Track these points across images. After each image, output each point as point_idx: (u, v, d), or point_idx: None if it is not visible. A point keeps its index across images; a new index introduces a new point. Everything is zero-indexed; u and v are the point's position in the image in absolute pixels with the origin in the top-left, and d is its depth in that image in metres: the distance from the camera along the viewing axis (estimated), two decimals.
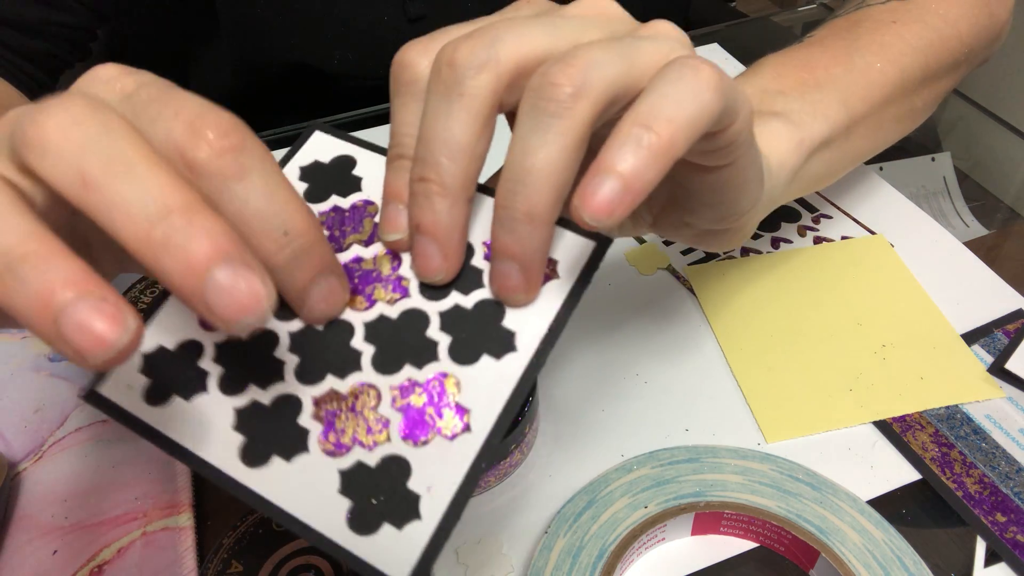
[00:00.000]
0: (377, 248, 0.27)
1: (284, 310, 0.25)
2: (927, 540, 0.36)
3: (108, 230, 0.20)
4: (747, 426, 0.40)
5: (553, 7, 0.27)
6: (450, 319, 0.25)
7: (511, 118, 0.27)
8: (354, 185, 0.28)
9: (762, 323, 0.45)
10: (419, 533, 0.22)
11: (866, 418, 0.40)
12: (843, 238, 0.50)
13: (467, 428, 0.23)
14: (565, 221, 0.26)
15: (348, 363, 0.25)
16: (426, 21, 0.60)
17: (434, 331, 0.25)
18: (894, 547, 0.34)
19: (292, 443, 0.24)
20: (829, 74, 0.40)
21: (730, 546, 0.36)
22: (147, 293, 0.48)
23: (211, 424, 0.24)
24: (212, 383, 0.24)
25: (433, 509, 0.22)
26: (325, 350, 0.25)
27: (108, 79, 0.23)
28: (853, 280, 0.47)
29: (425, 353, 0.24)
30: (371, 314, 0.25)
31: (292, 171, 0.29)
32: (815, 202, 0.53)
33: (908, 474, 0.38)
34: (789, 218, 0.52)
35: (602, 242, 0.25)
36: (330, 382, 0.24)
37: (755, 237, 0.51)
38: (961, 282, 0.47)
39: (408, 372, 0.24)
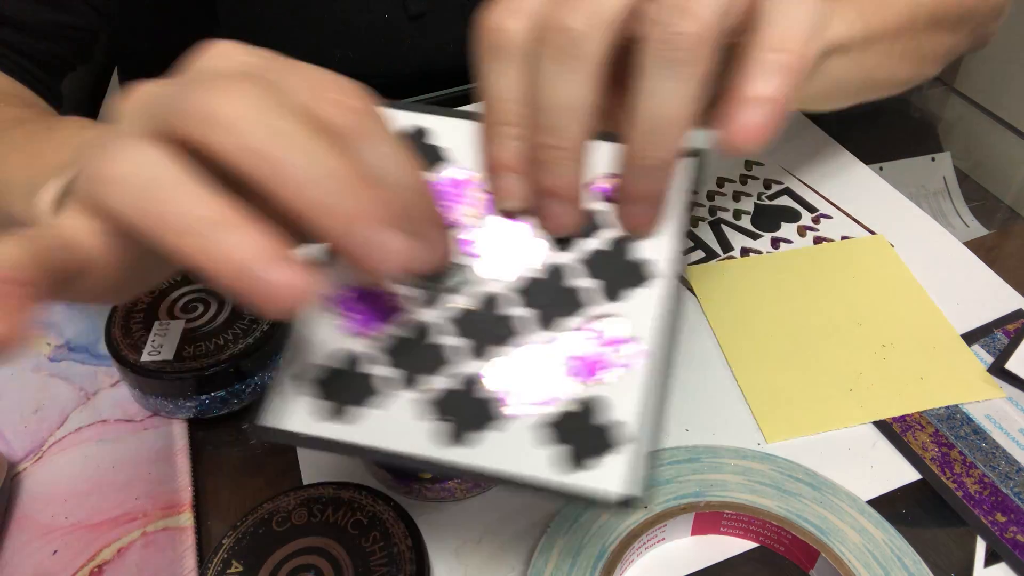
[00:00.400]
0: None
1: (435, 295, 0.27)
2: (927, 540, 0.36)
3: (275, 196, 0.21)
4: (747, 426, 0.40)
5: None
6: (590, 263, 0.27)
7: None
8: (438, 156, 0.29)
9: (762, 323, 0.45)
10: (624, 456, 0.24)
11: (866, 418, 0.40)
12: (843, 238, 0.50)
13: (639, 353, 0.25)
14: None
15: (509, 329, 0.26)
16: (427, 18, 0.60)
17: (577, 278, 0.27)
18: (894, 547, 0.34)
19: (482, 415, 0.25)
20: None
21: (730, 546, 0.36)
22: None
23: (399, 419, 0.26)
24: (386, 383, 0.26)
25: (630, 432, 0.25)
26: (483, 323, 0.26)
27: (228, 54, 0.25)
28: (853, 280, 0.47)
29: (578, 300, 0.26)
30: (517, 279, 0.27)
31: None
32: (815, 202, 0.53)
33: (908, 474, 0.38)
34: (789, 218, 0.52)
35: (700, 153, 0.27)
36: (499, 350, 0.26)
37: (755, 237, 0.51)
38: (961, 282, 0.47)
39: (569, 321, 0.26)
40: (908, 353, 0.43)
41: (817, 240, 0.50)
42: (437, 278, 0.27)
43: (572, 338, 0.26)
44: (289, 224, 0.22)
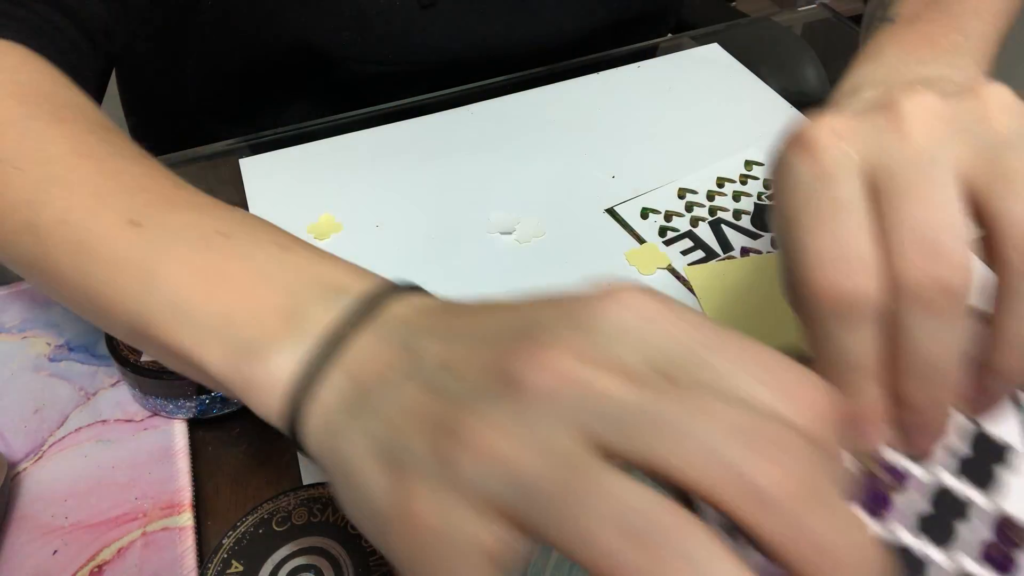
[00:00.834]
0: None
1: None
2: None
3: (771, 549, 0.18)
4: None
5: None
6: (962, 466, 0.27)
7: None
8: None
9: (762, 323, 0.45)
10: None
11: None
12: None
13: None
14: None
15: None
16: (438, 7, 0.60)
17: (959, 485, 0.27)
18: None
19: None
20: (952, 41, 0.39)
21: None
22: None
23: None
24: None
25: None
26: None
27: (644, 313, 0.21)
28: None
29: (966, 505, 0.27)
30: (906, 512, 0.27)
31: None
32: None
33: None
34: None
35: None
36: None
37: (755, 237, 0.51)
38: None
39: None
40: None
41: None
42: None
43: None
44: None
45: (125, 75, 0.75)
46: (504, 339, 0.22)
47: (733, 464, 0.18)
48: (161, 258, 0.29)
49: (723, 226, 0.52)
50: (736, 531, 0.19)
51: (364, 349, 0.25)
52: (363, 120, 0.62)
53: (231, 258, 0.29)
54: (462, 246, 0.51)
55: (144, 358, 0.41)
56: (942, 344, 0.24)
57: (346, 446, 0.23)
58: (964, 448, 0.28)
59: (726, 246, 0.50)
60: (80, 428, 0.42)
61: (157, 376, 0.40)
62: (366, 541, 0.34)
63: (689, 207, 0.53)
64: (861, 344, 0.25)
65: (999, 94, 0.26)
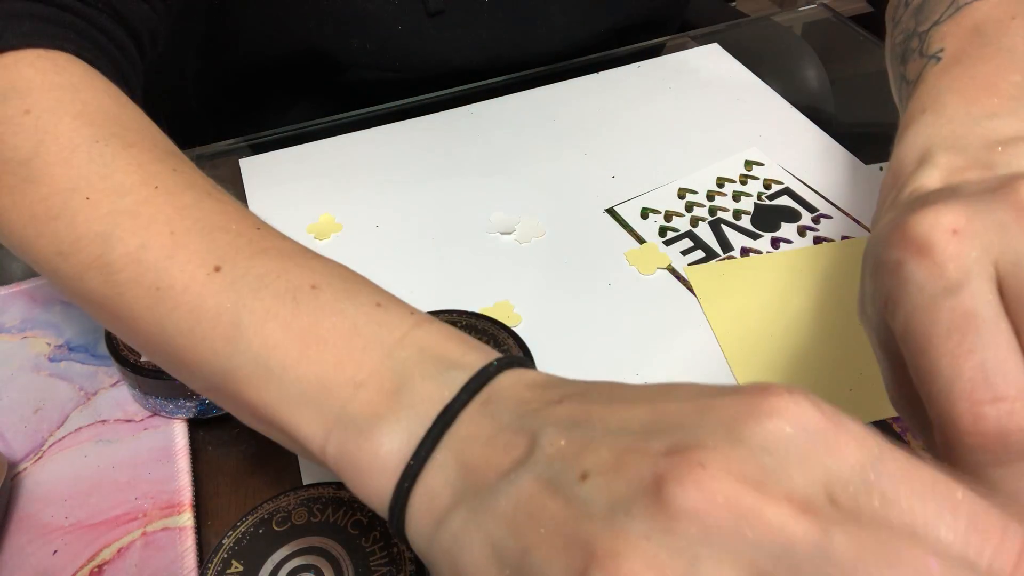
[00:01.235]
0: None
1: None
2: None
3: None
4: None
5: None
6: None
7: None
8: None
9: (762, 323, 0.45)
10: None
11: (866, 418, 0.40)
12: (843, 238, 0.50)
13: None
14: None
15: None
16: (445, 16, 0.60)
17: None
18: None
19: None
20: (1012, 83, 0.35)
21: None
22: None
23: None
24: None
25: None
26: None
27: (813, 431, 0.18)
28: (853, 280, 0.47)
29: None
30: None
31: None
32: (815, 202, 0.53)
33: None
34: (789, 218, 0.52)
35: None
36: None
37: (755, 237, 0.51)
38: None
39: None
40: None
41: (817, 240, 0.50)
42: None
43: None
44: None
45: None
46: (646, 446, 0.19)
47: None
48: (247, 310, 0.27)
49: (723, 226, 0.52)
50: None
51: (473, 428, 0.23)
52: (363, 120, 0.62)
53: (324, 314, 0.27)
54: (462, 246, 0.51)
55: (144, 358, 0.41)
56: None
57: (464, 553, 0.21)
58: None
59: (726, 246, 0.50)
60: (80, 428, 0.42)
61: (157, 376, 0.40)
62: (366, 541, 0.34)
63: (689, 207, 0.53)
64: None
65: None
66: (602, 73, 0.66)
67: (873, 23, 0.64)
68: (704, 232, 0.51)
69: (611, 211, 0.53)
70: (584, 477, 0.20)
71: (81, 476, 0.39)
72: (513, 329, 0.42)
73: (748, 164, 0.56)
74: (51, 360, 0.45)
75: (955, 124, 0.32)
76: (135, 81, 0.42)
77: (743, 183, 0.55)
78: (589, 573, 0.18)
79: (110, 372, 0.44)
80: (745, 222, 0.52)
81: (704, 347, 0.44)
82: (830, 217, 0.52)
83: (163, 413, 0.42)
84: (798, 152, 0.57)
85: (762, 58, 0.68)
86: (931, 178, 0.29)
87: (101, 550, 0.37)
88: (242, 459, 0.41)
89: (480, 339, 0.41)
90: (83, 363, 0.45)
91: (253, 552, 0.34)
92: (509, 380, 0.25)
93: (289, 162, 0.58)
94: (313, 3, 0.59)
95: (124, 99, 0.36)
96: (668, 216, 0.53)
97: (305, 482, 0.39)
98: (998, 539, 0.17)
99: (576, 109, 0.62)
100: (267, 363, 0.26)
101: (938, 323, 0.22)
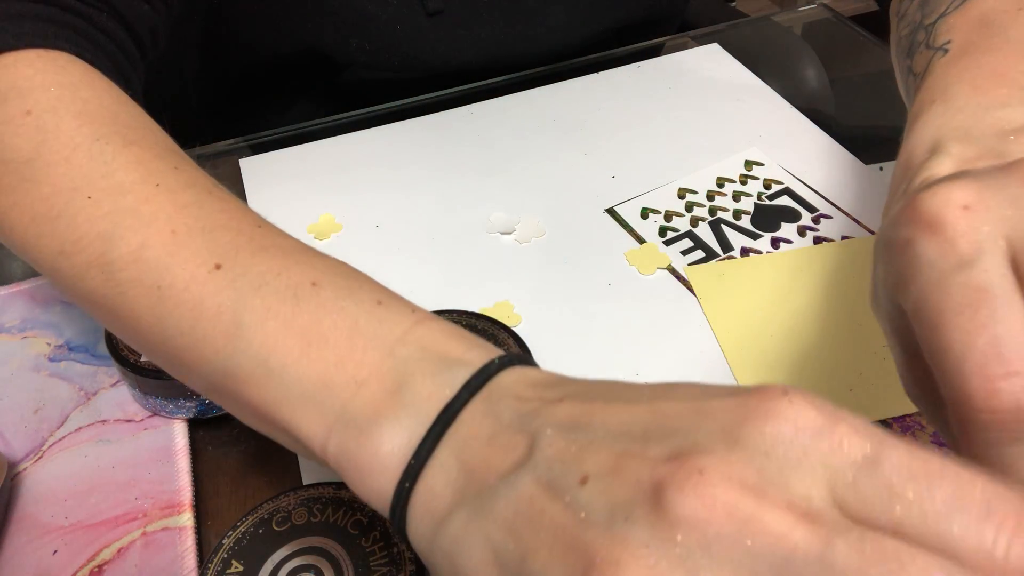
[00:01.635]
0: None
1: None
2: None
3: None
4: None
5: None
6: None
7: None
8: None
9: (762, 323, 0.45)
10: None
11: (866, 418, 0.40)
12: (843, 238, 0.50)
13: None
14: None
15: None
16: (444, 15, 0.60)
17: None
18: None
19: None
20: (1021, 72, 0.35)
21: None
22: None
23: None
24: None
25: None
26: None
27: (815, 431, 0.18)
28: (853, 280, 0.47)
29: None
30: None
31: None
32: (815, 202, 0.53)
33: None
34: (789, 218, 0.52)
35: None
36: None
37: (755, 237, 0.51)
38: None
39: None
40: None
41: (817, 240, 0.50)
42: None
43: None
44: None
45: None
46: (646, 450, 0.19)
47: None
48: (248, 308, 0.27)
49: (723, 226, 0.52)
50: None
51: (474, 427, 0.23)
52: (363, 120, 0.62)
53: (325, 312, 0.27)
54: (462, 246, 0.51)
55: (144, 358, 0.41)
56: None
57: (465, 555, 0.21)
58: None
59: (726, 246, 0.50)
60: (80, 428, 0.42)
61: (157, 376, 0.40)
62: (366, 541, 0.34)
63: (689, 207, 0.53)
64: None
65: None
66: (602, 73, 0.66)
67: (873, 23, 0.64)
68: (704, 232, 0.51)
69: (611, 211, 0.53)
70: (584, 481, 0.20)
71: (81, 476, 0.39)
72: (513, 329, 0.42)
73: (748, 164, 0.56)
74: (51, 360, 0.45)
75: (965, 114, 0.31)
76: (136, 80, 0.42)
77: (743, 183, 0.55)
78: None
79: (110, 372, 0.44)
80: (745, 222, 0.52)
81: (704, 347, 0.44)
82: (830, 217, 0.52)
83: (163, 413, 0.42)
84: (798, 152, 0.57)
85: (762, 58, 0.68)
86: (943, 167, 0.28)
87: (101, 550, 0.37)
88: (242, 459, 0.41)
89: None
90: (83, 363, 0.45)
91: (253, 552, 0.34)
92: (511, 378, 0.25)
93: (289, 162, 0.58)
94: (313, 3, 0.59)
95: (124, 97, 0.36)
96: (668, 216, 0.53)
97: (305, 482, 0.39)
98: (1015, 524, 0.16)
99: (576, 109, 0.62)
100: (268, 362, 0.26)
101: (950, 298, 0.22)
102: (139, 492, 0.39)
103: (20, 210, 0.32)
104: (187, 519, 0.38)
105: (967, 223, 0.22)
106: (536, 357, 0.41)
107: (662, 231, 0.52)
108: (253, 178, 0.57)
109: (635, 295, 0.48)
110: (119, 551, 0.37)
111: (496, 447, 0.22)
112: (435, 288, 0.49)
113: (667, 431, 0.20)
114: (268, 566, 0.33)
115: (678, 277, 0.49)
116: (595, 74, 0.66)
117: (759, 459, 0.18)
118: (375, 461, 0.24)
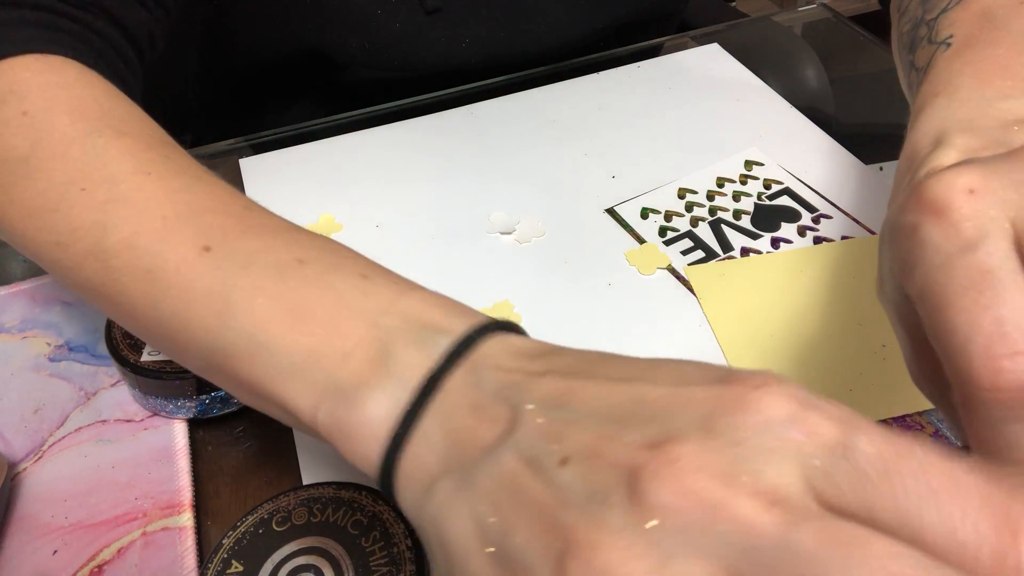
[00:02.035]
0: None
1: None
2: None
3: None
4: None
5: None
6: None
7: None
8: None
9: (762, 323, 0.45)
10: None
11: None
12: (843, 238, 0.50)
13: None
14: None
15: None
16: (443, 13, 0.60)
17: None
18: None
19: None
20: None
21: None
22: None
23: None
24: None
25: None
26: None
27: (788, 419, 0.19)
28: (853, 280, 0.47)
29: None
30: None
31: None
32: (815, 202, 0.53)
33: None
34: (789, 218, 0.52)
35: None
36: None
37: (755, 237, 0.51)
38: None
39: None
40: None
41: (817, 240, 0.50)
42: None
43: None
44: None
45: None
46: (625, 435, 0.20)
47: None
48: (237, 287, 0.28)
49: (723, 226, 0.52)
50: None
51: (458, 396, 0.24)
52: (363, 120, 0.62)
53: (311, 287, 0.27)
54: (462, 246, 0.51)
55: (144, 358, 0.41)
56: None
57: (450, 525, 0.22)
58: None
59: (726, 246, 0.50)
60: (80, 428, 0.42)
61: (157, 376, 0.40)
62: (366, 541, 0.34)
63: (689, 207, 0.53)
64: None
65: None
66: (602, 73, 0.66)
67: (873, 23, 0.64)
68: (704, 232, 0.51)
69: (611, 211, 0.53)
70: (564, 463, 0.20)
71: (81, 476, 0.39)
72: None
73: (748, 164, 0.56)
74: (51, 360, 0.45)
75: (969, 106, 0.31)
76: (133, 81, 0.43)
77: (743, 183, 0.55)
78: (566, 559, 0.19)
79: (110, 372, 0.44)
80: (745, 222, 0.52)
81: (704, 347, 0.44)
82: (830, 217, 0.52)
83: (163, 413, 0.42)
84: (798, 152, 0.57)
85: (762, 58, 0.68)
86: (947, 157, 0.29)
87: (101, 550, 0.37)
88: (242, 459, 0.41)
89: None
90: (83, 363, 0.45)
91: (253, 552, 0.34)
92: (495, 347, 0.25)
93: (289, 162, 0.58)
94: (311, 3, 0.59)
95: (117, 92, 0.37)
96: (668, 216, 0.53)
97: (305, 482, 0.39)
98: (978, 507, 0.16)
99: (576, 109, 0.62)
100: (257, 337, 0.27)
101: (955, 280, 0.22)
102: (139, 492, 0.39)
103: (18, 206, 0.33)
104: (187, 519, 0.38)
105: (972, 207, 0.22)
106: None
107: (662, 231, 0.52)
108: (253, 178, 0.57)
109: (635, 295, 0.48)
110: (119, 551, 0.37)
111: (480, 418, 0.23)
112: (435, 288, 0.48)
113: (646, 417, 0.20)
114: (268, 566, 0.33)
115: (678, 277, 0.49)
116: (595, 74, 0.66)
117: (733, 448, 0.18)
118: (363, 429, 0.25)
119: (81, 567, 0.36)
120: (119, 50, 0.42)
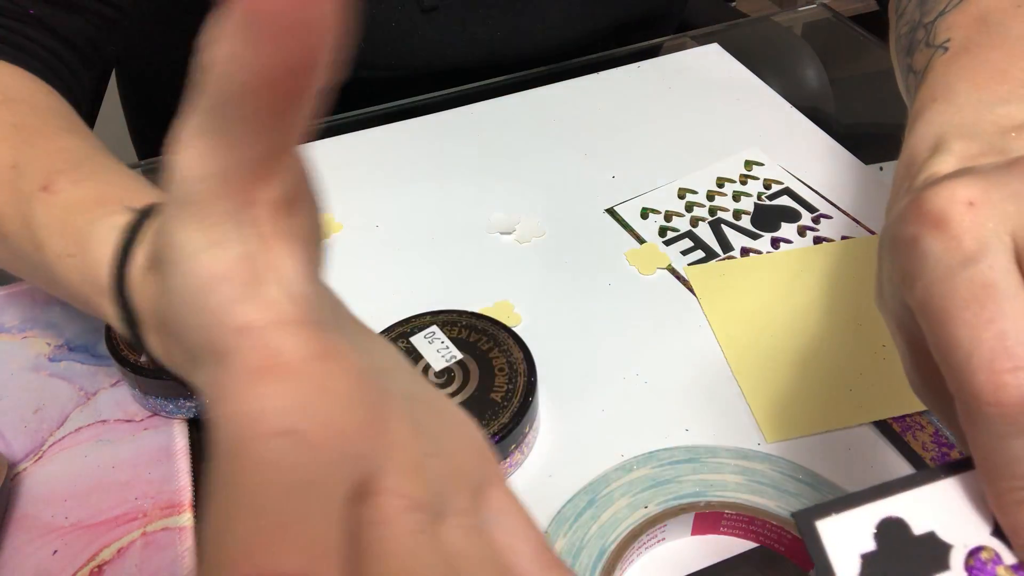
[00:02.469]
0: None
1: None
2: None
3: None
4: (747, 426, 0.40)
5: None
6: None
7: None
8: (940, 555, 0.23)
9: (762, 323, 0.45)
10: None
11: (866, 418, 0.40)
12: (843, 238, 0.50)
13: None
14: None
15: None
16: (439, 12, 0.60)
17: None
18: None
19: None
20: (1022, 69, 0.35)
21: (730, 546, 0.36)
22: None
23: None
24: None
25: None
26: None
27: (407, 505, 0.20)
28: (853, 280, 0.47)
29: None
30: None
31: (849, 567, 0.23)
32: (815, 202, 0.53)
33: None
34: (789, 218, 0.52)
35: None
36: None
37: (755, 237, 0.51)
38: None
39: None
40: None
41: (817, 240, 0.50)
42: None
43: None
44: None
45: (126, 80, 0.75)
46: None
47: None
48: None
49: (723, 226, 0.52)
50: None
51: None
52: (363, 120, 0.62)
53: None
54: (462, 246, 0.51)
55: (144, 358, 0.41)
56: None
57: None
58: None
59: (726, 246, 0.50)
60: (80, 428, 0.42)
61: (157, 376, 0.40)
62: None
63: (689, 207, 0.53)
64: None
65: None
66: (602, 73, 0.66)
67: (873, 23, 0.64)
68: (704, 232, 0.51)
69: (611, 211, 0.53)
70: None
71: (81, 476, 0.39)
72: (513, 329, 0.42)
73: (748, 164, 0.56)
74: (51, 360, 0.45)
75: (967, 111, 0.31)
76: (77, 87, 0.47)
77: (743, 183, 0.55)
78: None
79: (110, 372, 0.44)
80: (745, 222, 0.52)
81: (704, 347, 0.44)
82: (830, 217, 0.52)
83: (163, 413, 0.42)
84: (798, 152, 0.57)
85: (762, 58, 0.68)
86: (946, 164, 0.28)
87: (101, 550, 0.37)
88: None
89: (480, 339, 0.41)
90: (83, 363, 0.45)
91: None
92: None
93: None
94: None
95: (46, 88, 0.43)
96: (668, 216, 0.53)
97: None
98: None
99: (576, 109, 0.62)
100: (46, 262, 0.33)
101: (956, 294, 0.22)
102: (139, 492, 0.39)
103: None
104: (187, 519, 0.38)
105: (972, 219, 0.22)
106: (536, 357, 0.41)
107: (662, 231, 0.52)
108: None
109: (635, 295, 0.48)
110: (119, 551, 0.37)
111: None
112: (435, 288, 0.49)
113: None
114: None
115: (678, 277, 0.49)
116: (595, 74, 0.66)
117: None
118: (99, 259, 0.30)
119: (81, 567, 0.36)
120: (60, 56, 0.46)
